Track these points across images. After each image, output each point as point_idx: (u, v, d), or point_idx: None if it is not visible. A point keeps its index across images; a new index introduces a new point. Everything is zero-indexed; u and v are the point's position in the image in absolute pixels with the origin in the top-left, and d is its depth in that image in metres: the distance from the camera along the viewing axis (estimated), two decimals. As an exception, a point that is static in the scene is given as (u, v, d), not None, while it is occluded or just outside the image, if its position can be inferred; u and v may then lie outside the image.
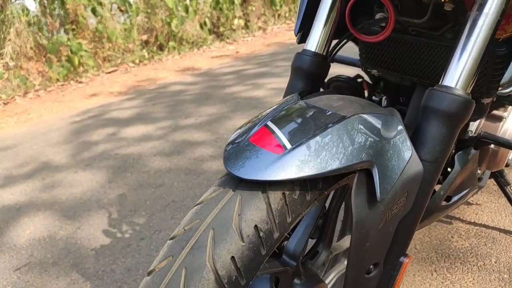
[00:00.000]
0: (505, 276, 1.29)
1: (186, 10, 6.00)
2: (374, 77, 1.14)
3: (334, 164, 0.60)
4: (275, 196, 0.60)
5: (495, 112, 1.10)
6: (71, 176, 2.36)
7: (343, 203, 0.98)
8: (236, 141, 0.66)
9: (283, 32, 6.50)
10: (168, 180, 2.17)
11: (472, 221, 1.56)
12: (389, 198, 0.65)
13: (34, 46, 4.96)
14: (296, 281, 0.80)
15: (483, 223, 1.54)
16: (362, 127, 0.65)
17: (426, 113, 0.71)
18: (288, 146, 0.61)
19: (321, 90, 0.94)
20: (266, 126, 0.66)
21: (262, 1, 6.98)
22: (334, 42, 0.96)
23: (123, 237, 1.74)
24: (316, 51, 0.89)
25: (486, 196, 1.71)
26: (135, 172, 2.31)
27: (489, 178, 1.33)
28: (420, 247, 1.45)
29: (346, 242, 1.00)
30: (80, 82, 4.77)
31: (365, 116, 0.67)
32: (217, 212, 0.59)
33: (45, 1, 5.18)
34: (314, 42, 0.90)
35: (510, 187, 1.40)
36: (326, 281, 0.99)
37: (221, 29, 6.50)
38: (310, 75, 0.89)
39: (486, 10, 0.70)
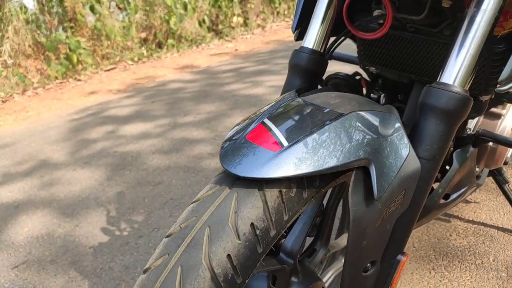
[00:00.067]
0: (503, 274, 1.29)
1: (185, 8, 5.99)
2: (372, 75, 1.13)
3: (331, 162, 0.59)
4: (272, 194, 0.59)
5: (493, 109, 1.10)
6: (69, 174, 2.35)
7: (341, 200, 0.98)
8: (233, 139, 0.66)
9: (282, 30, 6.49)
10: (167, 178, 2.17)
11: (470, 219, 1.56)
12: (387, 196, 0.64)
13: (32, 44, 4.94)
14: (294, 279, 0.80)
15: (481, 221, 1.54)
16: (359, 124, 0.65)
17: (424, 111, 0.71)
18: (285, 143, 0.61)
19: (319, 87, 0.94)
20: (263, 123, 0.66)
21: (261, -1, 6.98)
22: (332, 39, 0.95)
23: (122, 235, 1.74)
24: (314, 48, 0.89)
25: (484, 194, 1.70)
26: (133, 170, 2.31)
27: (488, 176, 1.32)
28: (418, 245, 1.45)
29: (344, 240, 1.00)
30: (79, 80, 4.76)
31: (362, 113, 0.66)
32: (213, 210, 0.58)
33: (43, -1, 5.17)
34: (311, 39, 0.90)
35: (508, 185, 1.40)
36: (324, 279, 0.99)
37: (220, 26, 6.49)
38: (307, 73, 0.89)
39: (484, 6, 0.69)
